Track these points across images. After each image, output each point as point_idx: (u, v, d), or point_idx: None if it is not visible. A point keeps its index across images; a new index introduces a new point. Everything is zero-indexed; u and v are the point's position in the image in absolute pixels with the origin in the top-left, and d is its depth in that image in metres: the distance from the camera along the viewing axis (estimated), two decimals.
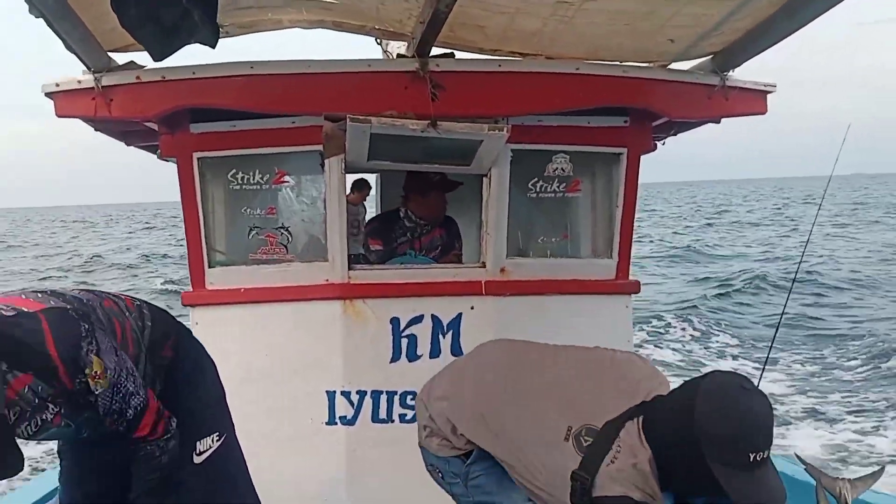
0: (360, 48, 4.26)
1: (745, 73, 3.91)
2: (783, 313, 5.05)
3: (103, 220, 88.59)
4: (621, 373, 2.57)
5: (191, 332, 2.93)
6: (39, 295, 2.31)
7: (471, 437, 2.64)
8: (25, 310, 2.18)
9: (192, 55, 2.88)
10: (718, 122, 4.19)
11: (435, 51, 3.62)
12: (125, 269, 30.98)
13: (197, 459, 2.68)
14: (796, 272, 5.17)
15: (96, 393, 2.23)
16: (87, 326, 2.24)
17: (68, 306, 2.27)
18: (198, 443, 2.70)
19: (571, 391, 2.50)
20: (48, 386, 2.18)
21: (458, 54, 3.82)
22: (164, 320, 2.72)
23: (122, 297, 2.68)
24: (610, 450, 2.22)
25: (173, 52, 2.26)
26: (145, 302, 2.75)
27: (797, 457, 3.77)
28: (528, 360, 2.76)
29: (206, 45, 2.26)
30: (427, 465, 2.92)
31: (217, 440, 2.77)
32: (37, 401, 2.18)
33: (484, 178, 3.96)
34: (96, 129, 4.07)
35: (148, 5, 2.00)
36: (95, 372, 2.21)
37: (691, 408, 2.15)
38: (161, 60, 2.36)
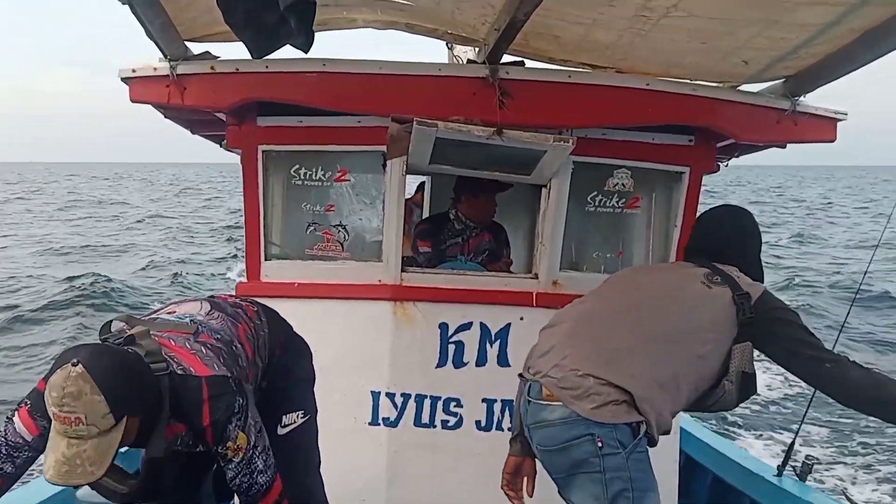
0: (428, 50, 4.29)
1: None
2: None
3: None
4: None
5: (290, 326, 3.27)
6: (204, 350, 2.58)
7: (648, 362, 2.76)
8: (193, 371, 2.47)
9: None
10: (784, 146, 4.13)
11: (505, 58, 3.62)
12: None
13: (280, 431, 2.98)
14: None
15: (233, 461, 2.51)
16: (241, 402, 2.49)
17: (229, 374, 2.53)
18: (284, 416, 3.03)
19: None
20: (196, 440, 2.51)
21: (529, 63, 3.82)
22: (276, 321, 3.15)
23: (245, 307, 3.03)
24: (733, 276, 2.92)
25: (271, 53, 2.33)
26: (261, 305, 3.15)
27: (846, 497, 3.70)
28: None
29: (299, 49, 2.32)
30: (574, 438, 2.68)
31: (301, 417, 3.09)
32: (183, 448, 2.54)
33: (543, 189, 3.94)
34: (166, 116, 4.13)
35: (251, 7, 2.05)
36: (238, 445, 2.49)
37: (735, 226, 3.19)
38: (260, 58, 2.43)
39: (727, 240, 3.11)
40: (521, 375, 2.94)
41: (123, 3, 2.87)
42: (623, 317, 2.87)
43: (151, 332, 2.51)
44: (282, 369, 3.04)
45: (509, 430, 3.93)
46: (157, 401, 2.38)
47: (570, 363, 2.73)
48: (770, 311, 2.83)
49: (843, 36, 3.12)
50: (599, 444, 2.62)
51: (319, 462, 3.21)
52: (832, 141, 3.96)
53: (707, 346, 2.79)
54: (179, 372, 2.45)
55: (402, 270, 3.93)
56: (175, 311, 2.82)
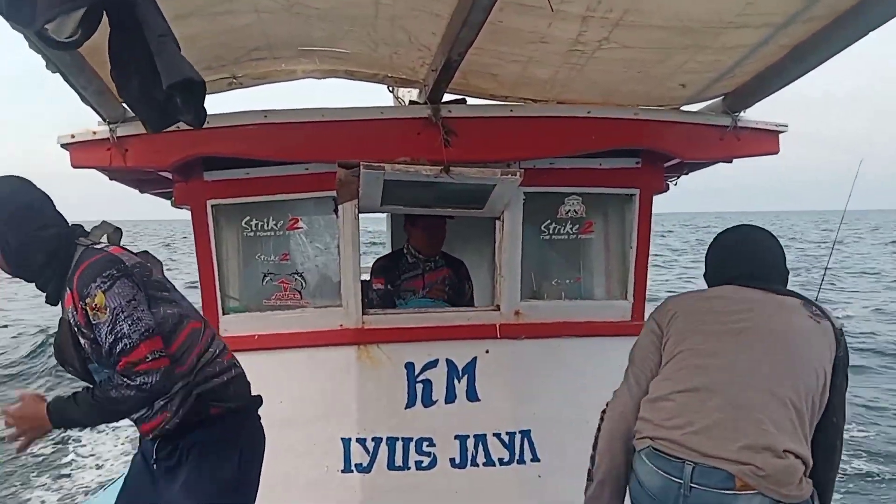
0: (371, 94, 4.30)
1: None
2: None
3: None
4: None
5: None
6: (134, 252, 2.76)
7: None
8: (99, 248, 2.66)
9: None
10: (731, 161, 4.19)
11: (447, 97, 3.64)
12: None
13: None
14: None
15: (100, 325, 2.53)
16: (114, 273, 2.56)
17: (125, 261, 2.63)
18: None
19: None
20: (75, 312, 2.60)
21: (470, 100, 3.85)
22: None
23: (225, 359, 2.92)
24: (821, 307, 2.64)
25: (164, 128, 2.32)
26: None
27: None
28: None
29: (191, 126, 2.31)
30: None
31: None
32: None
33: (497, 221, 3.96)
34: (111, 178, 4.11)
35: (143, 83, 2.04)
36: (97, 304, 2.52)
37: (777, 247, 2.83)
38: (156, 132, 2.39)
39: (776, 263, 2.78)
40: (659, 451, 2.41)
41: (54, 72, 2.85)
42: (768, 372, 2.46)
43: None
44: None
45: (484, 465, 3.93)
46: (44, 252, 2.62)
47: (760, 441, 2.34)
48: (846, 355, 2.57)
49: (774, 53, 3.18)
50: None
51: None
52: (776, 153, 4.03)
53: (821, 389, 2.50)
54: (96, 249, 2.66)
55: (364, 313, 3.90)
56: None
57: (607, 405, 2.70)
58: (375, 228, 16.46)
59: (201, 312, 3.36)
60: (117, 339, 2.51)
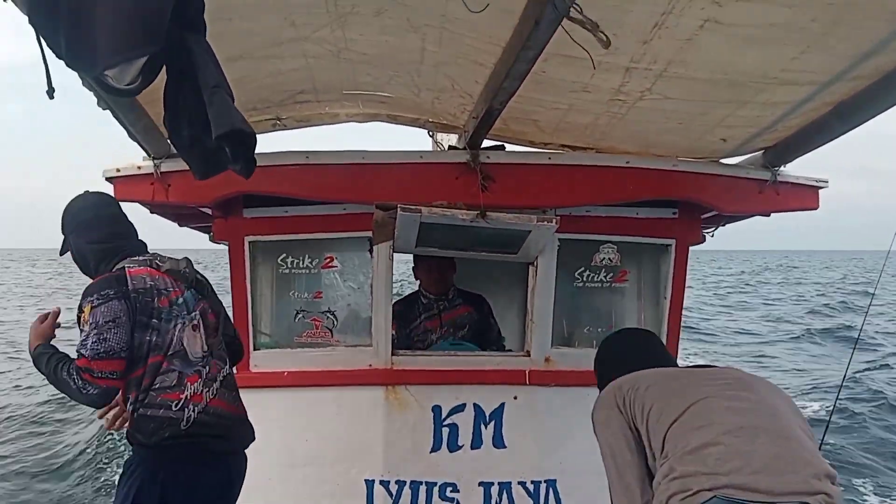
0: (411, 137, 4.35)
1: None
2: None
3: None
4: None
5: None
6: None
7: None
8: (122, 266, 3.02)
9: None
10: (768, 215, 4.16)
11: (486, 142, 3.67)
12: None
13: None
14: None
15: (81, 329, 2.92)
16: (109, 293, 2.91)
17: (130, 287, 2.95)
18: None
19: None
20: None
21: (510, 146, 3.87)
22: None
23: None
24: None
25: (212, 176, 2.36)
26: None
27: None
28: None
29: (240, 175, 2.34)
30: None
31: None
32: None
33: (530, 267, 3.94)
34: (152, 212, 4.16)
35: (194, 131, 2.08)
36: (83, 315, 2.90)
37: None
38: (203, 180, 2.43)
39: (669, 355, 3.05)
40: (728, 499, 2.17)
41: (104, 109, 2.91)
42: (783, 408, 2.44)
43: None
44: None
45: None
46: (92, 259, 3.08)
47: (821, 469, 2.24)
48: None
49: (816, 109, 3.18)
50: None
51: None
52: (814, 209, 3.99)
53: None
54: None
55: (393, 354, 3.90)
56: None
57: None
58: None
59: None
60: (82, 346, 2.88)
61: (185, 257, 3.25)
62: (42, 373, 3.04)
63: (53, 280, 51.95)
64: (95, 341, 2.85)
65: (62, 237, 3.17)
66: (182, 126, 2.09)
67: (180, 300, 3.07)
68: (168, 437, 2.98)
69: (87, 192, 3.19)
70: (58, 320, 3.14)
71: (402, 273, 7.59)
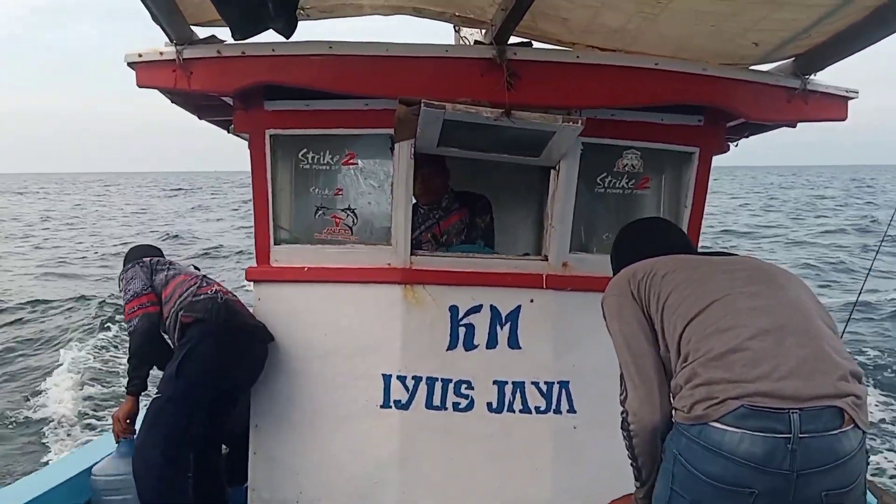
0: (435, 34, 4.26)
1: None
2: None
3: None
4: None
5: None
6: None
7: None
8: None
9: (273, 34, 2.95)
10: (794, 126, 4.10)
11: (513, 40, 3.59)
12: None
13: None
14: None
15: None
16: (131, 269, 4.16)
17: (145, 260, 4.24)
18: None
19: None
20: None
21: (536, 45, 3.79)
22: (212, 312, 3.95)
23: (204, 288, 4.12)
24: None
25: (253, 35, 2.32)
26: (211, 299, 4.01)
27: None
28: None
29: (281, 34, 2.30)
30: (864, 465, 2.24)
31: (155, 394, 3.84)
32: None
33: (552, 171, 3.92)
34: (172, 101, 4.13)
35: None
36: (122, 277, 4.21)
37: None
38: (241, 40, 2.42)
39: (688, 241, 3.02)
40: (756, 407, 2.13)
41: None
42: (807, 302, 2.41)
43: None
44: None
45: (521, 412, 3.96)
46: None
47: (849, 368, 2.21)
48: None
49: (854, 13, 3.09)
50: (867, 461, 2.26)
51: (165, 433, 3.71)
52: (843, 119, 3.93)
53: None
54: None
55: (412, 254, 3.92)
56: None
57: (626, 414, 2.54)
58: None
59: (255, 242, 4.07)
60: (123, 298, 4.07)
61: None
62: (132, 372, 4.01)
63: None
64: (125, 292, 4.05)
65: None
66: None
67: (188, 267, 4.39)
68: (212, 308, 3.91)
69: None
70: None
71: None
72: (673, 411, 2.36)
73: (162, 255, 4.46)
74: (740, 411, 2.12)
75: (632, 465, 2.58)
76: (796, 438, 2.08)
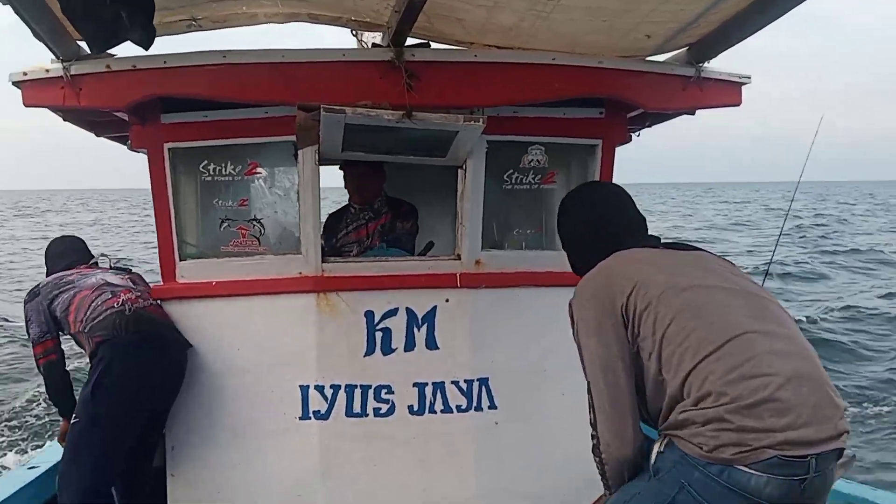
0: (334, 41, 4.21)
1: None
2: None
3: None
4: None
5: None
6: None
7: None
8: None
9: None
10: (693, 113, 4.20)
11: (411, 42, 3.58)
12: None
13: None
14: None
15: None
16: (30, 300, 4.02)
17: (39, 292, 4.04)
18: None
19: None
20: None
21: (435, 46, 3.78)
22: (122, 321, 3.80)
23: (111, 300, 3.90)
24: None
25: (110, 48, 2.25)
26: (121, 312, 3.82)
27: None
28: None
29: (139, 45, 2.23)
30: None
31: (74, 419, 3.69)
32: None
33: (459, 170, 3.93)
34: (65, 119, 3.99)
35: None
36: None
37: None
38: (99, 53, 2.38)
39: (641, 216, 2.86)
40: (787, 457, 2.19)
41: (5, 3, 2.73)
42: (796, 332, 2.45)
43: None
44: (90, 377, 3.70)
45: (442, 412, 3.96)
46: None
47: (841, 404, 2.31)
48: None
49: (737, 3, 3.18)
50: None
51: (87, 460, 3.61)
52: (737, 104, 4.05)
53: None
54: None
55: (323, 261, 3.87)
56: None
57: (597, 441, 2.48)
58: None
59: (159, 259, 3.94)
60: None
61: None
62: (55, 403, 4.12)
63: None
64: (27, 329, 4.02)
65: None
66: None
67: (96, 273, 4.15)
68: (119, 323, 3.73)
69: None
70: None
71: None
72: (675, 439, 2.34)
73: (80, 251, 4.40)
74: (773, 461, 2.18)
75: (602, 479, 2.56)
76: (810, 479, 2.20)
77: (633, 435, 2.43)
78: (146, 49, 2.22)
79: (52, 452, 4.52)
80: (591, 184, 3.08)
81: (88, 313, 3.79)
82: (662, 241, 2.76)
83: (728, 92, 4.03)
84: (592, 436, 2.48)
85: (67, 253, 4.38)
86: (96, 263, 4.39)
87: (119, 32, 2.06)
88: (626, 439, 2.43)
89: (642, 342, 2.41)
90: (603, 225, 2.76)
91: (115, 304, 3.81)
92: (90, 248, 4.58)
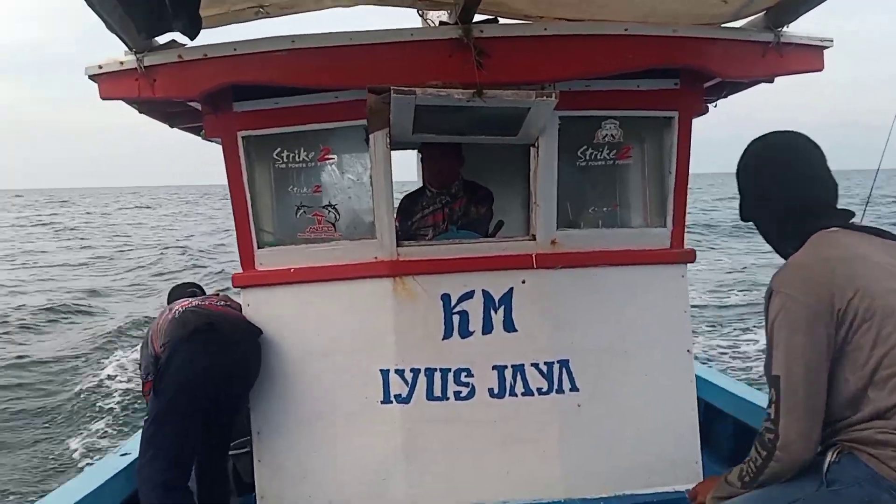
0: (400, 23, 4.19)
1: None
2: None
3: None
4: None
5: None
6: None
7: None
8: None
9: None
10: (772, 81, 4.04)
11: (478, 18, 3.53)
12: None
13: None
14: None
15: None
16: (145, 341, 4.03)
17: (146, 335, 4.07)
18: None
19: None
20: None
21: (503, 21, 3.73)
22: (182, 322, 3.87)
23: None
24: None
25: (158, 35, 2.26)
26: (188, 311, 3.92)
27: None
28: None
29: (186, 35, 2.24)
30: None
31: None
32: None
33: (531, 148, 3.86)
34: (140, 111, 4.07)
35: None
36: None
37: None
38: (148, 38, 2.32)
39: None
40: None
41: None
42: None
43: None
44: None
45: (523, 395, 3.91)
46: None
47: None
48: None
49: None
50: None
51: (159, 456, 3.62)
52: (820, 70, 3.88)
53: None
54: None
55: (398, 245, 3.86)
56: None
57: (774, 438, 2.30)
58: None
59: (238, 247, 3.98)
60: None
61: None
62: None
63: None
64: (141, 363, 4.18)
65: None
66: None
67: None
68: (175, 325, 3.79)
69: None
70: None
71: None
72: (860, 454, 2.24)
73: (187, 294, 4.47)
74: None
75: (748, 471, 2.42)
76: None
77: (816, 440, 2.29)
78: (192, 39, 2.23)
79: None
80: (784, 134, 2.56)
81: (159, 335, 3.89)
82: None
83: (810, 57, 3.86)
84: (768, 430, 2.31)
85: (177, 295, 4.52)
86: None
87: (166, 19, 2.06)
88: (811, 443, 2.28)
89: (853, 352, 2.25)
90: (805, 190, 2.48)
91: (170, 316, 3.91)
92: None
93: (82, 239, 41.10)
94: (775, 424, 2.28)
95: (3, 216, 66.67)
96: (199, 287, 4.76)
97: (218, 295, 4.31)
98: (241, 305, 4.02)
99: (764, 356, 2.37)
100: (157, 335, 3.89)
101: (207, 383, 3.73)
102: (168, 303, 4.42)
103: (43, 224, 54.70)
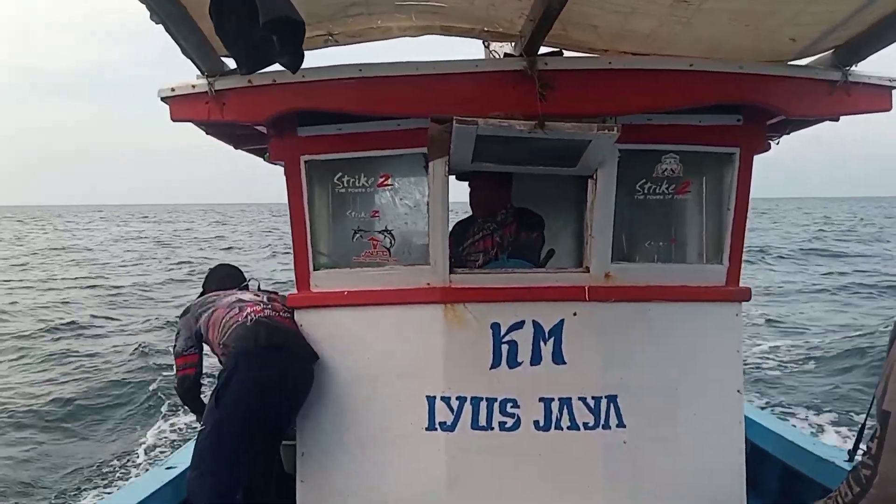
0: (465, 52, 4.23)
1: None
2: None
3: None
4: None
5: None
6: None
7: None
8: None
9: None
10: (837, 119, 3.98)
11: (543, 50, 3.55)
12: None
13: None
14: None
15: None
16: (182, 316, 4.31)
17: (195, 311, 4.29)
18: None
19: None
20: None
21: (568, 54, 3.73)
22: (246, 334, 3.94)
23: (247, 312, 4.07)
24: None
25: (258, 70, 2.32)
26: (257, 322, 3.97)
27: None
28: None
29: (287, 68, 2.29)
30: None
31: (201, 426, 3.97)
32: None
33: (589, 180, 3.85)
34: (207, 133, 4.16)
35: (240, 23, 2.03)
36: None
37: None
38: (247, 74, 2.60)
39: None
40: None
41: (157, 23, 2.87)
42: None
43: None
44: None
45: (569, 428, 3.88)
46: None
47: None
48: None
49: (890, 2, 2.99)
50: None
51: (215, 469, 3.77)
52: (887, 110, 3.81)
53: None
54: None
55: (451, 272, 3.88)
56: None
57: (872, 476, 2.26)
58: None
59: (294, 268, 4.06)
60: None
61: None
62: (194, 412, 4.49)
63: None
64: (175, 341, 4.33)
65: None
66: (228, 15, 2.03)
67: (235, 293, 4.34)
68: (242, 335, 3.87)
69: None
70: None
71: None
72: None
73: (232, 276, 4.75)
74: None
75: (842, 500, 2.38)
76: None
77: None
78: (293, 72, 2.29)
79: (188, 453, 4.70)
80: None
81: (221, 329, 3.98)
82: None
83: (877, 97, 3.79)
84: (866, 465, 2.27)
85: (220, 277, 4.71)
86: (247, 287, 4.59)
87: (269, 56, 2.12)
88: None
89: None
90: None
91: (240, 318, 3.95)
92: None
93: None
94: (875, 461, 2.23)
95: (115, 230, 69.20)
96: (240, 270, 4.90)
97: (277, 298, 4.33)
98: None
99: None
100: (215, 325, 4.03)
101: (267, 404, 3.79)
102: (205, 283, 4.71)
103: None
